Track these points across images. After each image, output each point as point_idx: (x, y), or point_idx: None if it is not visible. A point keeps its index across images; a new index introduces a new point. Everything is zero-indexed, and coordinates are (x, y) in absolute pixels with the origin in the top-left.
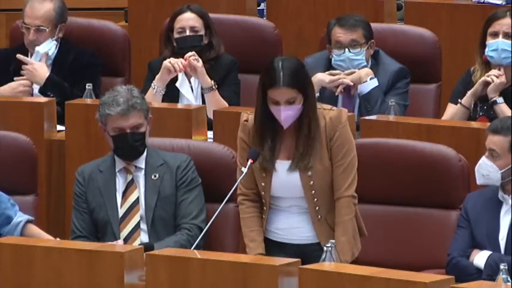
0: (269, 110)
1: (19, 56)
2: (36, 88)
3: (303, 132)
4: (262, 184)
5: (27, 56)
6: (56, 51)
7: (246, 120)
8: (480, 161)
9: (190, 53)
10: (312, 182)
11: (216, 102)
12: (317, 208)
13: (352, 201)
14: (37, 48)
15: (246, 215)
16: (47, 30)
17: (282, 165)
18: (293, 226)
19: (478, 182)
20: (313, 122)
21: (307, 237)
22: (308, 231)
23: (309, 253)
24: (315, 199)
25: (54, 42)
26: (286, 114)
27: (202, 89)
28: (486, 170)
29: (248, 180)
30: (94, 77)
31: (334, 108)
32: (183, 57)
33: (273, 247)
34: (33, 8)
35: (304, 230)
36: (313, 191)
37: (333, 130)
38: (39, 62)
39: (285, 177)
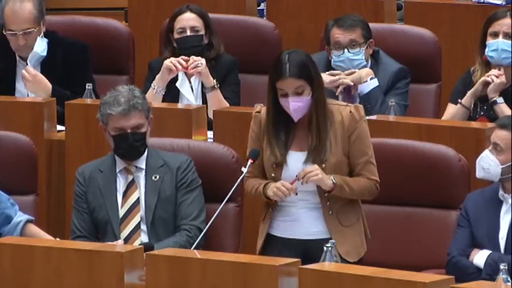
0: (280, 104)
1: (27, 68)
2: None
3: (315, 124)
4: (273, 175)
5: (15, 58)
6: (47, 48)
7: (258, 112)
8: (483, 154)
9: (195, 59)
10: None
11: (218, 102)
12: (328, 203)
13: (375, 184)
14: (35, 49)
15: (251, 179)
16: (35, 31)
17: (294, 157)
18: (300, 221)
19: (477, 175)
20: (324, 114)
21: (314, 233)
22: (315, 226)
23: (315, 250)
24: (327, 193)
25: (45, 39)
26: (295, 105)
27: (204, 88)
28: (487, 163)
29: (257, 170)
30: (87, 73)
31: (350, 104)
32: (185, 55)
33: (278, 244)
34: (16, 13)
35: (312, 225)
36: None
37: (354, 125)
38: (40, 74)
39: (298, 169)
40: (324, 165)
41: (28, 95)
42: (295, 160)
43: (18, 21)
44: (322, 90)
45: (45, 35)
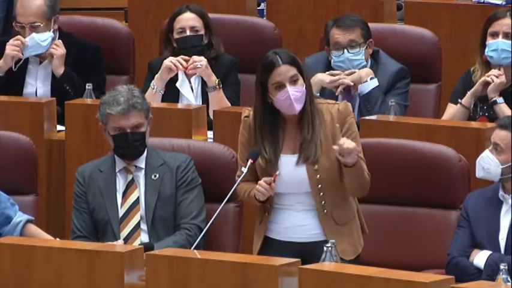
0: (269, 106)
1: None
2: (40, 88)
3: (305, 122)
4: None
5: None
6: (50, 43)
7: (247, 116)
8: (483, 154)
9: (196, 60)
10: (318, 176)
11: (219, 101)
12: (323, 202)
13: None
14: (32, 34)
15: (243, 183)
16: (42, 25)
17: (287, 160)
18: (297, 224)
19: (477, 175)
20: (313, 110)
21: (311, 235)
22: (312, 229)
23: (312, 252)
24: (321, 193)
25: (51, 34)
26: (295, 94)
27: (206, 87)
28: (487, 163)
29: (249, 174)
30: (98, 74)
31: (338, 102)
32: (185, 55)
33: (275, 246)
34: (24, 6)
35: (309, 227)
36: (319, 185)
37: (344, 119)
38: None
39: (291, 171)
40: (316, 166)
41: (36, 92)
42: (287, 163)
43: (26, 13)
44: (311, 87)
45: (61, 36)
